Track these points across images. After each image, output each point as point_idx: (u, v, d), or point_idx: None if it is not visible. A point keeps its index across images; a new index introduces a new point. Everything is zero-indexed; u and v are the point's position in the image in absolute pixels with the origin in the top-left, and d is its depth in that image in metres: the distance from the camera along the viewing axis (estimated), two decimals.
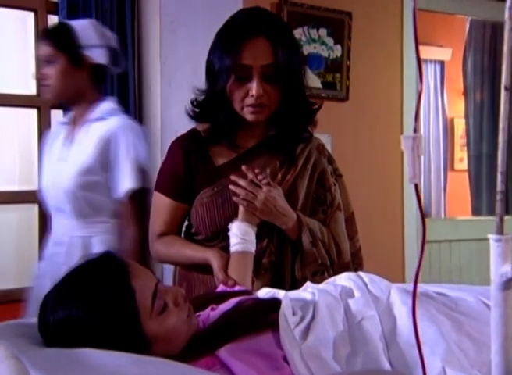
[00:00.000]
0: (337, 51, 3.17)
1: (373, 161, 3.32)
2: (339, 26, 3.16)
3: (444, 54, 5.65)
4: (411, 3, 2.70)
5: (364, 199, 3.08)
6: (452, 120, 5.95)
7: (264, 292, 1.41)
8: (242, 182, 1.60)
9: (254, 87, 1.57)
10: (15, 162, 2.73)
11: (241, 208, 1.60)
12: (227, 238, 1.64)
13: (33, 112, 2.69)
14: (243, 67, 1.57)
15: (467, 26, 4.27)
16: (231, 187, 1.61)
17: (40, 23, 2.66)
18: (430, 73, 5.63)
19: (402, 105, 3.44)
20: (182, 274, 1.77)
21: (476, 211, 4.28)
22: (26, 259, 2.71)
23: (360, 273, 1.49)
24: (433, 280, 3.65)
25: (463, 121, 5.84)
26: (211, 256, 1.60)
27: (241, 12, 1.70)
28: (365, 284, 1.44)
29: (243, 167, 1.61)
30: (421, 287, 1.51)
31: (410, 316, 1.32)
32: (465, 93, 4.44)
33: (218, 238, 1.67)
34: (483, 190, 4.24)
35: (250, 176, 1.61)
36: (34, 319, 1.26)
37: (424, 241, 0.89)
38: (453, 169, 5.93)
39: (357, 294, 1.40)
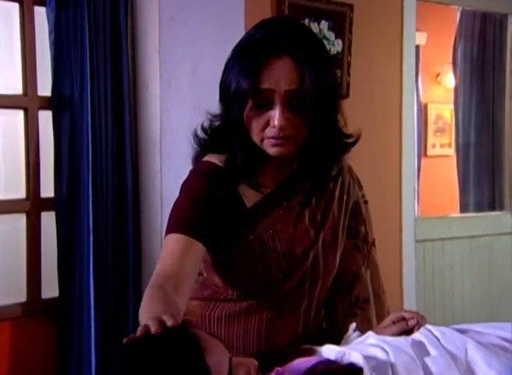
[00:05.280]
0: (338, 46, 3.02)
1: (373, 160, 3.20)
2: (340, 18, 3.01)
3: (419, 38, 5.55)
4: None
5: None
6: (425, 105, 5.89)
7: (333, 352, 1.27)
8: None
9: (275, 117, 1.31)
10: None
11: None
12: (262, 295, 1.42)
13: (20, 114, 2.45)
14: (262, 92, 1.31)
15: (458, 15, 4.18)
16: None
17: (26, 15, 2.42)
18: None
19: (401, 100, 3.33)
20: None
21: (463, 206, 4.25)
22: (12, 275, 2.51)
23: (428, 326, 1.37)
24: (426, 280, 3.60)
25: (436, 106, 5.83)
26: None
27: (262, 24, 1.40)
28: (437, 339, 1.33)
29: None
30: (492, 334, 1.41)
31: None
32: (455, 82, 4.37)
33: (254, 295, 1.43)
34: (470, 183, 4.19)
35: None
36: None
37: None
38: (426, 155, 5.91)
39: (432, 351, 1.28)
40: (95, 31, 2.47)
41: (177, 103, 2.52)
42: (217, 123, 1.43)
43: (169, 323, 1.02)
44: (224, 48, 2.56)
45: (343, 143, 1.43)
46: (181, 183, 1.42)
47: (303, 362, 1.23)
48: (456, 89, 4.33)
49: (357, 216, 1.56)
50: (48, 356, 2.46)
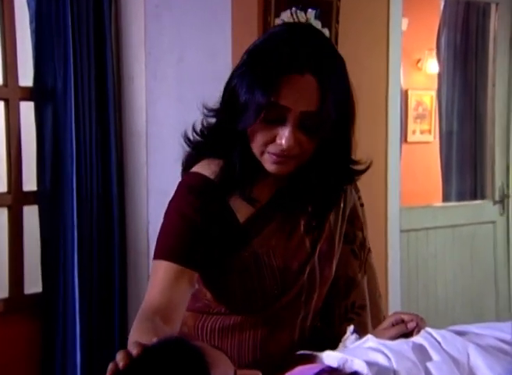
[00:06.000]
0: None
1: (358, 149, 3.18)
2: (327, 7, 2.95)
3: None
4: None
5: None
6: (406, 92, 5.89)
7: (335, 359, 1.25)
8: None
9: (284, 136, 1.21)
10: None
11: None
12: (257, 311, 1.37)
13: (0, 105, 2.39)
14: (278, 108, 1.20)
15: (442, 3, 4.15)
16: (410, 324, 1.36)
17: (6, 3, 2.34)
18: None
19: (387, 88, 3.30)
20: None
21: (446, 195, 4.25)
22: None
23: (428, 329, 1.35)
24: (411, 269, 3.60)
25: (416, 93, 5.83)
26: None
27: (284, 32, 1.27)
28: (438, 342, 1.31)
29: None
30: (490, 336, 1.40)
31: None
32: (439, 70, 4.36)
33: (248, 311, 1.38)
34: (452, 171, 4.19)
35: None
36: None
37: None
38: (406, 141, 5.92)
39: (434, 356, 1.26)
40: (78, 20, 2.40)
41: (163, 95, 2.46)
42: (212, 121, 1.34)
43: (134, 352, 0.95)
44: (210, 38, 2.54)
45: (350, 170, 1.38)
46: (169, 201, 1.33)
47: (305, 370, 1.20)
48: (439, 77, 4.32)
49: (354, 221, 1.50)
50: (31, 354, 2.41)
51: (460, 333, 1.38)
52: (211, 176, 1.32)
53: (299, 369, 1.22)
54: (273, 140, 1.24)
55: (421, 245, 3.67)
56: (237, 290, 1.35)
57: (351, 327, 1.42)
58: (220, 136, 1.33)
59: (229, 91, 1.28)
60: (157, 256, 1.27)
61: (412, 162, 5.68)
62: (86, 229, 2.43)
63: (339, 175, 1.37)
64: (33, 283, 2.45)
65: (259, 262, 1.34)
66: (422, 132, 5.91)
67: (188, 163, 1.38)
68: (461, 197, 4.12)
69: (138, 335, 1.11)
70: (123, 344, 2.51)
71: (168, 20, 2.46)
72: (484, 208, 3.98)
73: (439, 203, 4.20)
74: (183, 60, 2.49)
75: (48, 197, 2.41)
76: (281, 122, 1.23)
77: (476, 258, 3.87)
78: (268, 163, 1.27)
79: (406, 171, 5.70)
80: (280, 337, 1.41)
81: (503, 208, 3.98)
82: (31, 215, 2.44)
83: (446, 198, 4.20)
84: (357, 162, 1.39)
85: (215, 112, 1.33)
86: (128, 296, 2.51)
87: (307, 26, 1.43)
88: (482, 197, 4.08)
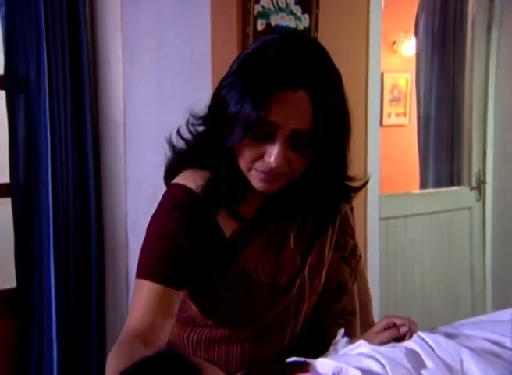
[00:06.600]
0: (305, 21, 2.90)
1: None
2: None
3: None
4: None
5: None
6: (382, 75, 5.87)
7: (329, 367, 1.22)
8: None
9: (273, 154, 1.15)
10: None
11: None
12: (245, 326, 1.34)
13: None
14: (267, 124, 1.14)
15: None
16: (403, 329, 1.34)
17: None
18: None
19: (367, 74, 3.26)
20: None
21: (423, 181, 4.24)
22: None
23: (420, 334, 1.33)
24: (389, 257, 3.60)
25: (392, 75, 5.83)
26: None
27: (276, 41, 1.18)
28: (431, 348, 1.29)
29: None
30: (480, 337, 1.38)
31: None
32: (417, 54, 4.32)
33: (235, 326, 1.34)
34: (430, 157, 4.18)
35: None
36: None
37: None
38: (381, 124, 5.91)
39: (428, 362, 1.25)
40: (51, 3, 2.31)
41: (141, 82, 2.38)
42: (199, 129, 1.27)
43: None
44: (188, 24, 2.46)
45: (346, 187, 1.32)
46: (152, 214, 1.26)
47: None
48: (417, 61, 4.30)
49: (344, 228, 1.46)
50: (6, 352, 2.34)
51: (451, 336, 1.37)
52: (197, 190, 1.25)
53: None
54: (261, 157, 1.18)
55: (400, 233, 3.66)
56: (224, 306, 1.30)
57: (342, 330, 1.39)
58: (206, 147, 1.26)
59: (218, 100, 1.21)
60: (139, 275, 1.21)
61: (388, 145, 5.69)
62: (61, 222, 2.36)
63: (333, 192, 1.30)
64: (6, 279, 2.38)
65: (247, 278, 1.28)
66: (397, 115, 5.93)
67: (172, 170, 1.31)
68: (438, 182, 4.10)
69: (116, 359, 1.05)
70: (101, 342, 2.46)
71: (145, 5, 2.37)
72: (460, 195, 3.98)
73: (416, 190, 4.19)
74: (162, 47, 2.41)
75: (22, 189, 2.33)
76: (270, 139, 1.16)
77: (453, 245, 3.88)
78: (256, 180, 1.21)
79: (382, 155, 5.73)
80: (269, 347, 1.37)
81: (480, 195, 3.98)
82: (4, 208, 2.36)
83: (423, 183, 4.18)
84: (352, 179, 1.32)
85: (202, 121, 1.26)
86: (106, 290, 2.46)
87: (302, 35, 1.37)
88: (459, 183, 4.07)
